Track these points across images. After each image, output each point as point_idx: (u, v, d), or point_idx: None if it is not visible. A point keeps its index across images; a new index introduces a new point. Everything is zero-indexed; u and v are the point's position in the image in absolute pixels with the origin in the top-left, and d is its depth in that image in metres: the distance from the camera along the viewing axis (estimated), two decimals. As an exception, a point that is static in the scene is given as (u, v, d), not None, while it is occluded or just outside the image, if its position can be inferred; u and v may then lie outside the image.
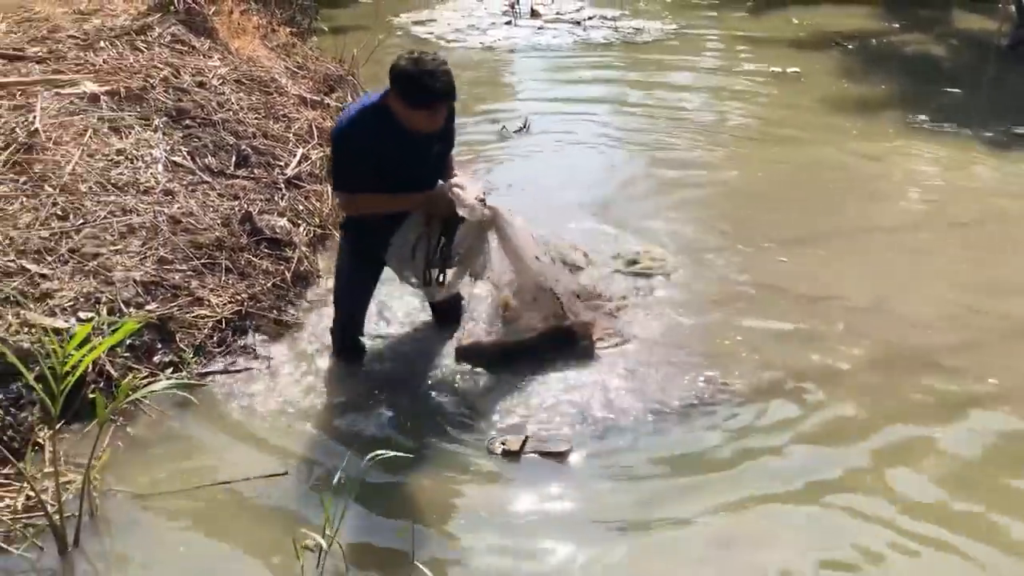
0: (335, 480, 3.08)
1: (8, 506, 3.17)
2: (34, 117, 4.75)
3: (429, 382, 3.97)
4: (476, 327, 4.23)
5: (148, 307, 4.08)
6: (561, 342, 4.06)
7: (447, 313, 4.33)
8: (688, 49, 10.14)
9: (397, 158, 3.47)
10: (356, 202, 3.66)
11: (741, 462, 3.48)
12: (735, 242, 5.26)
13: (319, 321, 4.40)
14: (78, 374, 2.85)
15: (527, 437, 3.55)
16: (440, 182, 3.71)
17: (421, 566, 2.88)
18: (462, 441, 3.60)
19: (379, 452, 3.07)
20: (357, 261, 3.91)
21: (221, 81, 6.00)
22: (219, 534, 3.15)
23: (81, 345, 2.85)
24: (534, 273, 3.90)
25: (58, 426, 3.07)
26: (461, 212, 3.58)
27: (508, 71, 9.59)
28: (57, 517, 2.96)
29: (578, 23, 11.17)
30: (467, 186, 3.65)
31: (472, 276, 3.95)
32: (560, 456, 3.49)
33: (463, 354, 4.06)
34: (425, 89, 3.33)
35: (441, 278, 3.83)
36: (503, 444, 3.53)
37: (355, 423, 3.74)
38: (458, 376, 3.99)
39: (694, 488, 3.35)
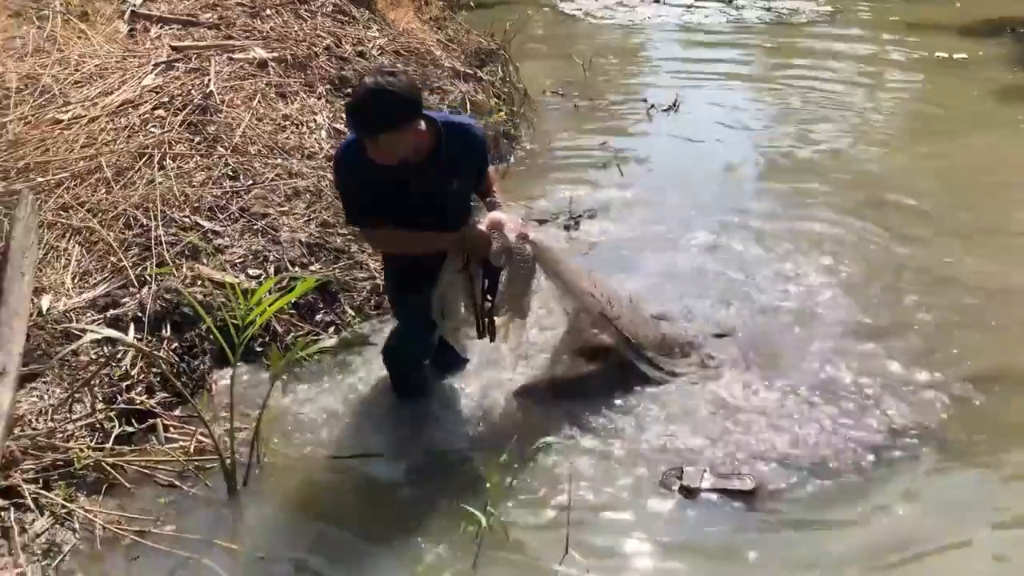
0: (500, 459, 3.09)
1: (182, 447, 3.33)
2: (209, 80, 4.95)
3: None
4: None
5: (312, 268, 4.21)
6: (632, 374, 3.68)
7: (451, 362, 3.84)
8: (844, 31, 9.74)
9: (392, 192, 3.07)
10: (375, 238, 3.37)
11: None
12: (894, 242, 4.99)
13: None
14: (258, 325, 2.96)
15: (705, 470, 3.24)
16: (474, 219, 3.32)
17: (575, 553, 2.88)
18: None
19: (549, 439, 3.11)
20: (402, 295, 3.51)
21: (380, 51, 6.11)
22: (375, 504, 3.20)
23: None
24: (590, 304, 3.57)
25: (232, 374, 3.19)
26: (498, 251, 3.21)
27: (657, 50, 9.43)
28: (229, 460, 3.09)
29: (729, 2, 10.88)
30: (506, 221, 3.25)
31: (519, 316, 3.48)
32: (747, 496, 3.15)
33: (526, 391, 3.71)
34: (352, 119, 2.99)
35: (490, 324, 3.41)
36: (679, 478, 3.21)
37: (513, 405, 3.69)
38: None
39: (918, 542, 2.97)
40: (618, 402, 3.62)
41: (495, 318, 3.39)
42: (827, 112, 7.20)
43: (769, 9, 10.63)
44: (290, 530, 3.05)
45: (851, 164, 6.17)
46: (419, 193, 3.11)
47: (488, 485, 2.95)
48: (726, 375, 3.78)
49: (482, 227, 3.20)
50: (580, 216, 5.25)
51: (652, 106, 7.28)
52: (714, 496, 3.15)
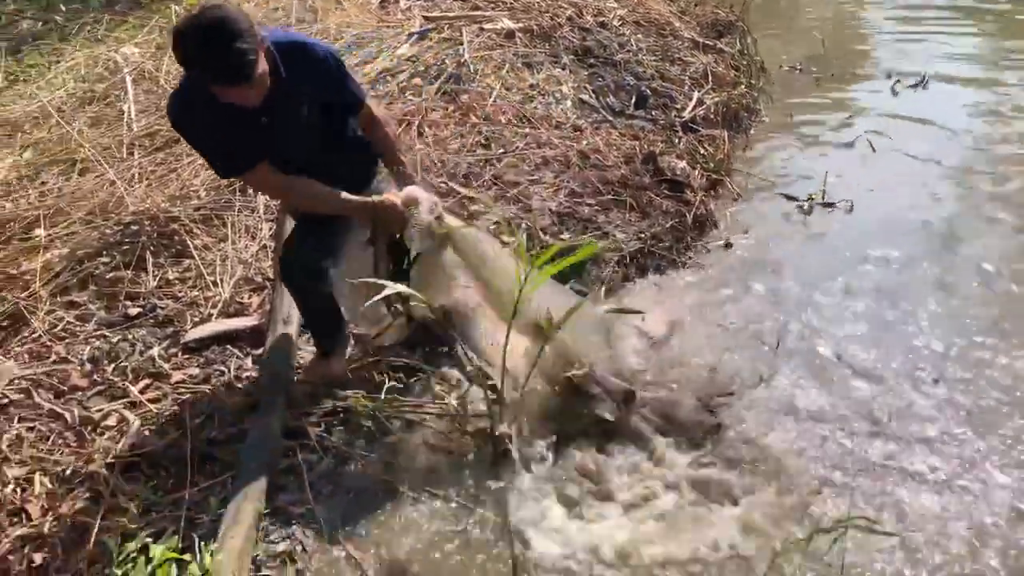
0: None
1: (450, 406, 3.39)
2: (462, 50, 5.05)
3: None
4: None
5: (562, 236, 4.21)
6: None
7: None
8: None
9: (253, 134, 2.71)
10: (262, 179, 2.88)
11: None
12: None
13: (717, 262, 4.36)
14: (534, 288, 2.96)
15: None
16: (392, 192, 2.97)
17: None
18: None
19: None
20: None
21: (620, 22, 6.05)
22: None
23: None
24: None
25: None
26: (409, 232, 2.90)
27: (900, 21, 8.84)
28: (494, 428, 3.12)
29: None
30: (423, 199, 2.94)
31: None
32: None
33: None
34: (214, 71, 2.44)
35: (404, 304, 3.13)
36: None
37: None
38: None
39: None
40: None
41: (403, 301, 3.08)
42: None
43: (1029, -23, 9.72)
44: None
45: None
46: (279, 130, 2.74)
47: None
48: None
49: (396, 201, 2.89)
50: (820, 198, 4.95)
51: (897, 81, 6.82)
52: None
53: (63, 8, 6.72)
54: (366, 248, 2.98)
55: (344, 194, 2.86)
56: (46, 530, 2.72)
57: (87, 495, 2.83)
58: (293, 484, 2.90)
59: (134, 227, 3.95)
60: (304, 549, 2.70)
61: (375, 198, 2.91)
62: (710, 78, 5.89)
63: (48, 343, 3.51)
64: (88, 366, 3.41)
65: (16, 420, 3.16)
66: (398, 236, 2.96)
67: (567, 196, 4.44)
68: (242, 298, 3.76)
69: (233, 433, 3.06)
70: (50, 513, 2.79)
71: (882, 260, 4.34)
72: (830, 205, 4.89)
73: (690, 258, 4.47)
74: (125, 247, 3.88)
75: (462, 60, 4.99)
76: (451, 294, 3.11)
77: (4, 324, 3.62)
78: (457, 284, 3.10)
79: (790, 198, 4.94)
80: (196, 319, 3.62)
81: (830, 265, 4.32)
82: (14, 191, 4.37)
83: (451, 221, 3.07)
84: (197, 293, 3.76)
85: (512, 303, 2.82)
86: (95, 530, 2.67)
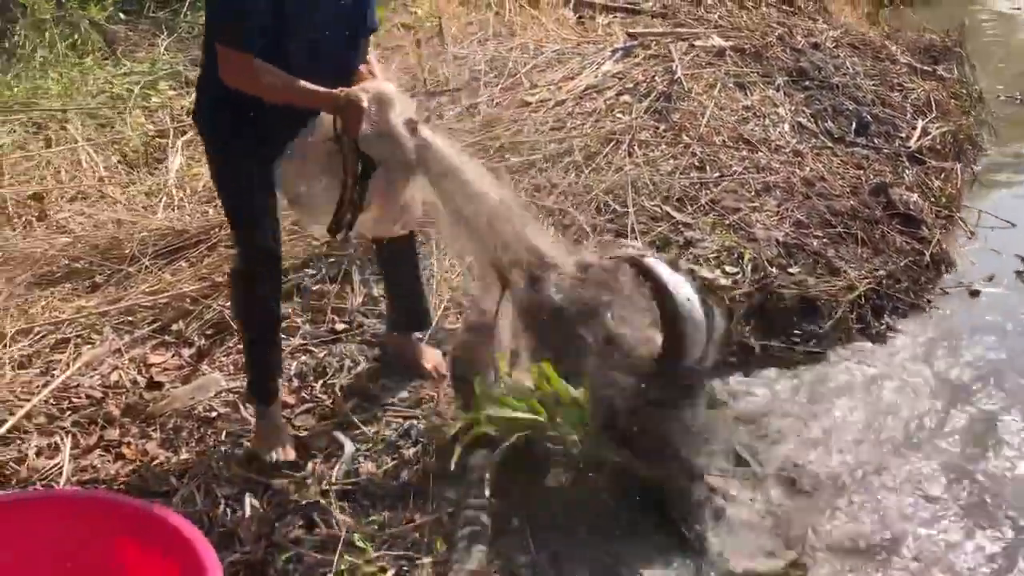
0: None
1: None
2: (674, 67, 4.76)
3: None
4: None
5: (790, 270, 3.83)
6: None
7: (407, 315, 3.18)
8: None
9: (298, 7, 2.42)
10: (255, 72, 2.42)
11: None
12: None
13: (950, 308, 3.91)
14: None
15: None
16: (363, 85, 2.50)
17: None
18: None
19: None
20: (250, 162, 2.62)
21: (834, 44, 5.63)
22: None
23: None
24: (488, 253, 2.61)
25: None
26: (372, 135, 2.40)
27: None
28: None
29: None
30: (393, 97, 2.45)
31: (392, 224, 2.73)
32: None
33: None
34: None
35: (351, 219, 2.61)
36: None
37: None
38: None
39: None
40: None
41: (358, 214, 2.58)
42: None
43: None
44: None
45: None
46: (329, 8, 2.47)
47: None
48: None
49: (363, 96, 2.42)
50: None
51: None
52: None
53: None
54: (331, 144, 2.54)
55: (313, 87, 2.44)
56: (259, 556, 2.52)
57: (300, 522, 2.62)
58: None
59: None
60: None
61: (343, 90, 2.45)
62: (933, 106, 5.39)
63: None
64: (295, 382, 3.25)
65: (223, 435, 3.01)
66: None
67: (792, 226, 4.05)
68: (448, 322, 3.54)
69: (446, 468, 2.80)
70: (262, 540, 2.60)
71: None
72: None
73: (929, 302, 4.00)
74: (331, 260, 3.73)
75: (674, 78, 4.69)
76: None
77: (209, 333, 3.51)
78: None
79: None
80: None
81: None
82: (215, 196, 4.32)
83: (430, 136, 2.53)
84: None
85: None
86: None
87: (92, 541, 2.16)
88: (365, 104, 2.40)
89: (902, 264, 4.09)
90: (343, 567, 2.17)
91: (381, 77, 2.61)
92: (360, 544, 2.13)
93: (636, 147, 4.34)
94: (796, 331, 3.67)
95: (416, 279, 3.16)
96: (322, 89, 2.44)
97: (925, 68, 5.92)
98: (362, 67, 2.64)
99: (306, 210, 2.81)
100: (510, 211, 2.61)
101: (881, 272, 3.96)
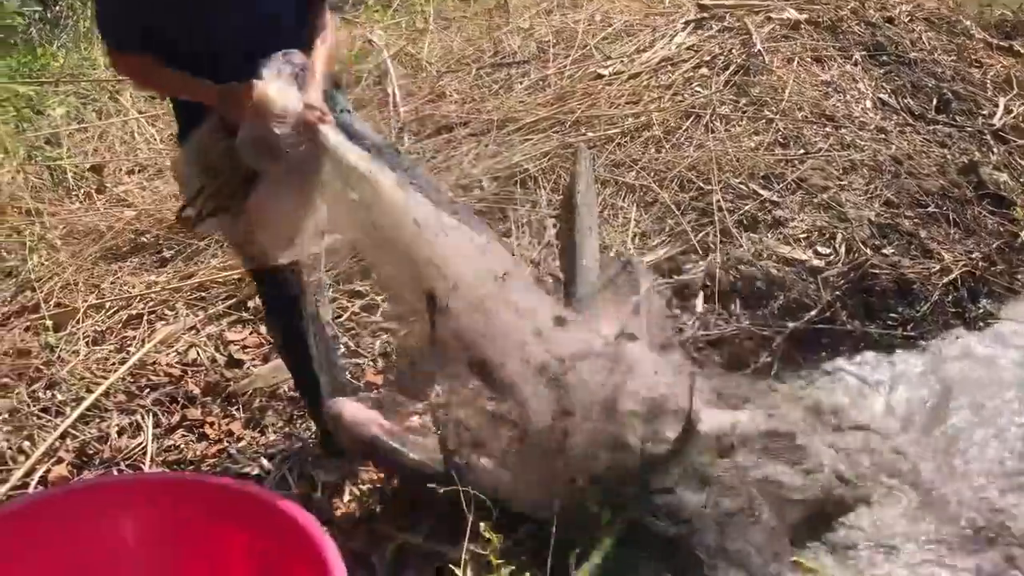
0: None
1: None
2: (753, 39, 4.59)
3: None
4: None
5: (884, 251, 3.68)
6: None
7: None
8: None
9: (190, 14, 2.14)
10: (132, 67, 2.26)
11: None
12: None
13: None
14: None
15: None
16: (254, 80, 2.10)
17: None
18: None
19: None
20: None
21: (908, 18, 5.42)
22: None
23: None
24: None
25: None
26: (246, 139, 2.07)
27: None
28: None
29: None
30: (283, 101, 2.07)
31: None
32: None
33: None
34: None
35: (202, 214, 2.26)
36: None
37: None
38: None
39: None
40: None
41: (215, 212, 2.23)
42: None
43: None
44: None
45: None
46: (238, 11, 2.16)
47: None
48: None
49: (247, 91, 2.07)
50: None
51: None
52: None
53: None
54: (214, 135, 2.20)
55: (198, 80, 2.17)
56: (361, 547, 2.42)
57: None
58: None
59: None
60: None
61: (226, 85, 2.14)
62: (1013, 83, 5.18)
63: (335, 334, 3.25)
64: (380, 362, 3.13)
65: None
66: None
67: (883, 206, 3.89)
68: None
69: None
70: (361, 525, 2.49)
71: None
72: None
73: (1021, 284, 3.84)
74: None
75: (754, 50, 4.51)
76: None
77: (287, 310, 3.39)
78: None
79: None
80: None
81: None
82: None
83: (333, 140, 2.15)
84: (483, 291, 3.43)
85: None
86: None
87: (200, 527, 2.06)
88: (248, 101, 2.06)
89: (995, 246, 3.92)
90: (466, 557, 2.04)
91: (322, 57, 2.29)
92: (487, 534, 1.99)
93: (717, 122, 4.18)
94: (893, 315, 3.53)
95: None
96: (200, 82, 2.16)
97: (1000, 44, 5.70)
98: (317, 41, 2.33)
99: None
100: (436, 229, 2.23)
101: (976, 254, 3.80)
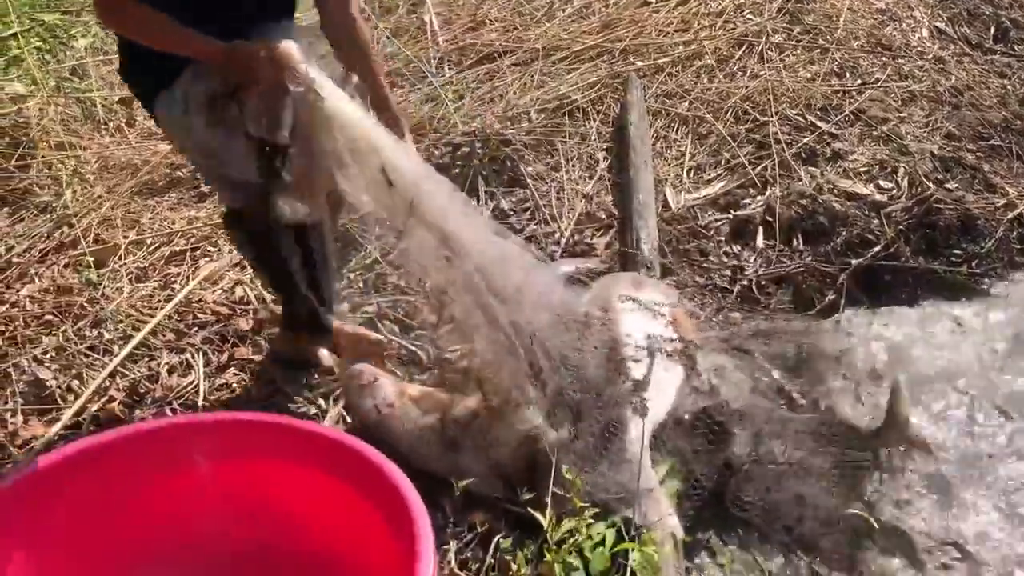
0: None
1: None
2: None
3: None
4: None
5: (947, 186, 3.55)
6: None
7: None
8: None
9: None
10: (128, 14, 2.04)
11: None
12: None
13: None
14: None
15: None
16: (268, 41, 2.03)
17: None
18: None
19: None
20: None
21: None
22: None
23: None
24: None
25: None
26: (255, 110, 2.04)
27: None
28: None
29: None
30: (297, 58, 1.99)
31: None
32: None
33: None
34: None
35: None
36: None
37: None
38: None
39: None
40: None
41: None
42: None
43: None
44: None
45: None
46: None
47: None
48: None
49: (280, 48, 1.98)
50: None
51: None
52: None
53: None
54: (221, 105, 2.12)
55: (202, 36, 2.05)
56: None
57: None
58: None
59: (464, 149, 3.54)
60: None
61: (234, 43, 2.04)
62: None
63: (383, 271, 3.16)
64: (433, 299, 3.03)
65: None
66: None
67: (944, 138, 3.75)
68: (585, 237, 3.30)
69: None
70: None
71: None
72: None
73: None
74: (456, 171, 3.48)
75: (807, -24, 4.33)
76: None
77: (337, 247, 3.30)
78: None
79: None
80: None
81: None
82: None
83: (336, 99, 2.05)
84: (535, 227, 3.33)
85: None
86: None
87: (270, 470, 1.97)
88: (273, 64, 1.98)
89: (1057, 181, 3.79)
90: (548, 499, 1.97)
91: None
92: (568, 475, 1.91)
93: (770, 51, 4.01)
94: (956, 251, 3.42)
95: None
96: (205, 40, 2.04)
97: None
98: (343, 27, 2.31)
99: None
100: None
101: (1045, 188, 3.68)
